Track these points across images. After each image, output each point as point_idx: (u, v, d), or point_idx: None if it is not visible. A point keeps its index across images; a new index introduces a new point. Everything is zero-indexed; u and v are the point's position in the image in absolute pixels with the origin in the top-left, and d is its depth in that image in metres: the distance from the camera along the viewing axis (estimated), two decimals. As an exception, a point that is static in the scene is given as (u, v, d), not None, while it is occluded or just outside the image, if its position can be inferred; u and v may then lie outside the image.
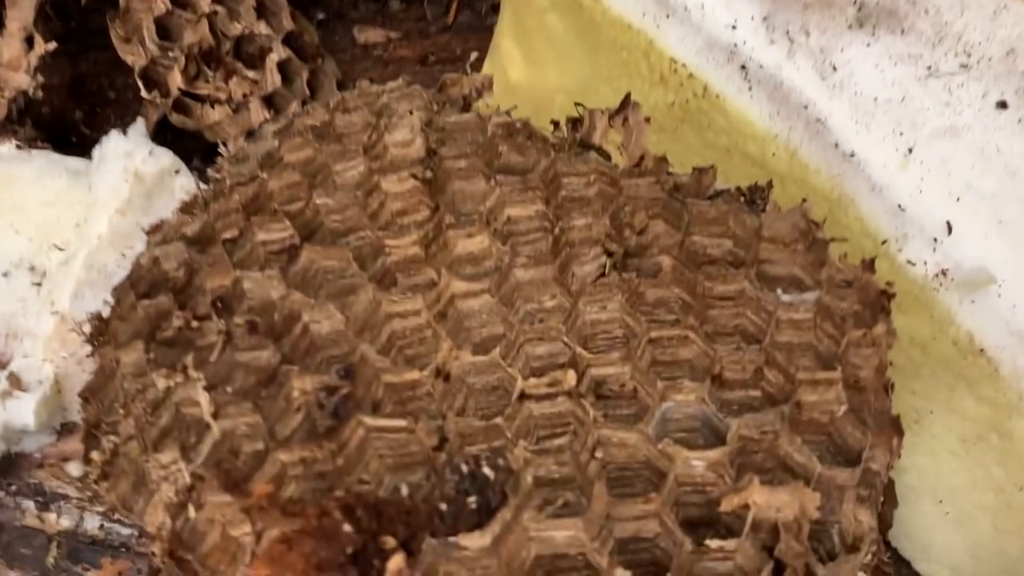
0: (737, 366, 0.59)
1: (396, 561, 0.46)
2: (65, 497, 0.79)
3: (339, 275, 0.61)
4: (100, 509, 0.79)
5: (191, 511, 0.50)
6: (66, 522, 0.78)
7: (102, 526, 0.79)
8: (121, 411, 0.55)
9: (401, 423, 0.53)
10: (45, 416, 0.78)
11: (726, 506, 0.53)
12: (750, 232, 0.63)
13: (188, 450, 0.52)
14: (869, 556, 0.72)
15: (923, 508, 0.83)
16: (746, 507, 0.53)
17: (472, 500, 0.49)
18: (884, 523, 0.78)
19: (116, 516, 0.79)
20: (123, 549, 0.78)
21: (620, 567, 0.49)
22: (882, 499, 0.63)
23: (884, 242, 0.76)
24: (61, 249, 0.84)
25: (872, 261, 0.62)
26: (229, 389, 0.53)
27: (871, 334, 0.58)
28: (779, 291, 0.60)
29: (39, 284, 0.84)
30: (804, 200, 0.64)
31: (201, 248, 0.62)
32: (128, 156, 0.83)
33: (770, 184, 0.68)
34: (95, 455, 0.54)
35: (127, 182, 0.82)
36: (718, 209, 0.63)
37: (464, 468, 0.49)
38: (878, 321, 0.59)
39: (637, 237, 0.64)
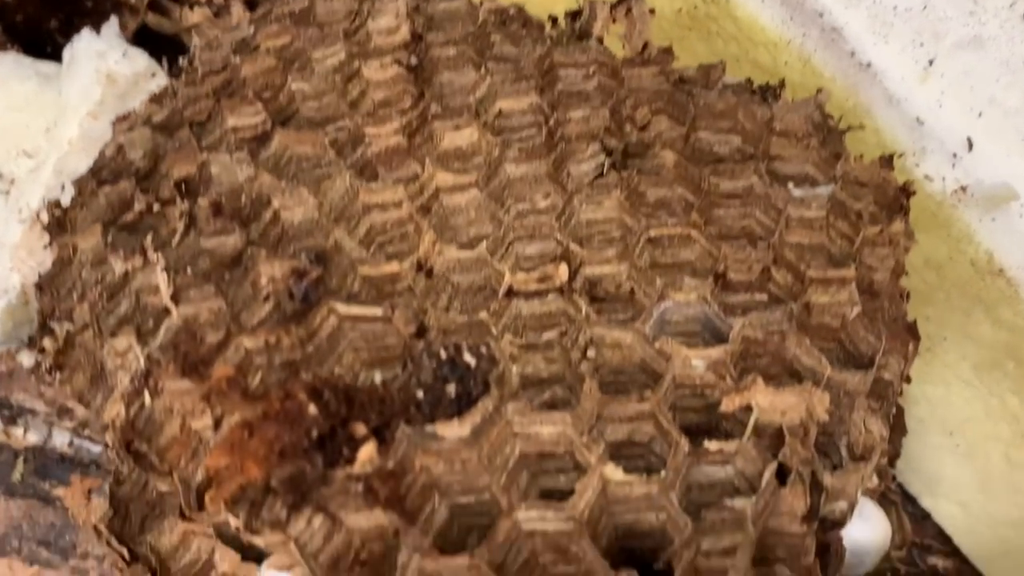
0: (743, 266, 0.54)
1: (367, 450, 0.42)
2: (32, 412, 0.75)
3: (314, 163, 0.56)
4: (69, 425, 0.75)
5: (147, 398, 0.47)
6: (33, 437, 0.75)
7: (71, 443, 0.75)
8: (76, 297, 0.51)
9: (376, 311, 0.48)
10: (11, 325, 0.74)
11: (727, 406, 0.49)
12: (760, 126, 0.58)
13: (145, 335, 0.48)
14: (877, 480, 0.68)
15: (932, 441, 0.80)
16: (748, 409, 0.49)
17: (451, 388, 0.45)
18: (893, 452, 0.75)
19: (86, 433, 0.75)
20: (93, 466, 0.74)
21: (611, 463, 0.45)
22: (892, 417, 0.59)
23: (900, 155, 0.72)
24: (30, 156, 0.80)
25: (891, 158, 0.58)
26: (190, 271, 0.49)
27: (888, 231, 0.54)
28: (790, 185, 0.56)
29: (7, 192, 0.79)
30: (819, 90, 0.59)
31: (168, 133, 0.58)
32: (101, 57, 0.78)
33: (782, 83, 0.63)
34: (47, 343, 0.50)
35: (99, 84, 0.77)
36: (727, 101, 0.59)
37: (443, 354, 0.45)
38: (895, 220, 0.55)
39: (639, 133, 0.59)
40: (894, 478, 0.76)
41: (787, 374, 0.52)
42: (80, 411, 0.76)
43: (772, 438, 0.50)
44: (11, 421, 0.75)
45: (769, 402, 0.49)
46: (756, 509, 0.45)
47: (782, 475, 0.48)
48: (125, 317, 0.50)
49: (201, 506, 0.47)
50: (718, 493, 0.48)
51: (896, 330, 0.54)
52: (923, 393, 0.79)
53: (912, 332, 0.55)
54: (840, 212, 0.55)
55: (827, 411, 0.49)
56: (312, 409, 0.41)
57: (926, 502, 0.82)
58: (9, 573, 0.73)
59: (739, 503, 0.45)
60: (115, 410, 0.48)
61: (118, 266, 0.50)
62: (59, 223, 0.56)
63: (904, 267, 0.56)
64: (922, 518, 0.82)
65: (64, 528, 0.73)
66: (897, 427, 0.74)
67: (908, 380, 0.74)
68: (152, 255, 0.49)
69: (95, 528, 0.60)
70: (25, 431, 0.75)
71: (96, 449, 0.75)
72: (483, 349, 0.45)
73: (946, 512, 0.81)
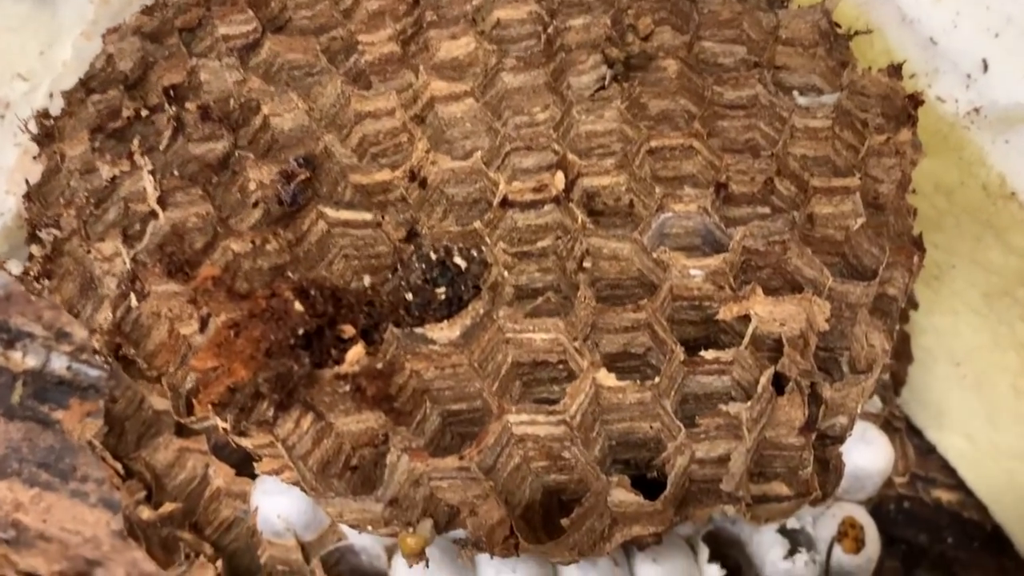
0: (745, 177, 0.53)
1: (356, 351, 0.41)
2: (31, 335, 0.75)
3: (305, 71, 0.55)
4: (67, 349, 0.75)
5: (133, 301, 0.46)
6: (32, 361, 0.75)
7: (70, 367, 0.75)
8: (63, 203, 0.50)
9: (366, 215, 0.47)
10: (6, 247, 0.74)
11: (724, 314, 0.48)
12: (765, 34, 0.56)
13: (132, 239, 0.47)
14: (881, 405, 0.67)
15: (939, 372, 0.78)
16: (746, 319, 0.48)
17: (441, 292, 0.44)
18: (898, 380, 0.74)
19: (84, 357, 0.75)
20: (92, 391, 0.74)
21: (603, 369, 0.44)
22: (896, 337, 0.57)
23: (912, 76, 0.70)
24: (25, 79, 0.79)
25: (899, 67, 0.56)
26: (177, 173, 0.48)
27: (895, 140, 0.52)
28: (795, 94, 0.54)
29: (2, 115, 0.78)
30: (826, -4, 0.57)
31: (158, 42, 0.56)
32: (94, -24, 0.76)
33: (790, -6, 0.61)
34: (35, 249, 0.50)
35: (93, 4, 0.76)
36: (731, 9, 0.57)
37: (433, 256, 0.44)
38: (902, 129, 0.53)
39: (641, 43, 0.57)
40: (899, 409, 0.75)
41: (788, 288, 0.51)
42: (78, 335, 0.76)
43: (771, 350, 0.49)
44: (9, 344, 0.75)
45: (768, 312, 0.48)
46: (751, 415, 0.44)
47: (780, 386, 0.47)
48: (113, 224, 0.49)
49: (191, 412, 0.46)
50: (714, 404, 0.47)
51: (901, 244, 0.52)
52: (931, 323, 0.77)
53: (917, 244, 0.53)
54: (846, 122, 0.54)
55: (828, 321, 0.48)
56: (298, 306, 0.40)
57: (931, 435, 0.81)
58: (10, 495, 0.73)
59: (734, 408, 0.44)
60: (103, 316, 0.47)
61: (105, 171, 0.49)
62: (48, 133, 0.55)
63: (911, 179, 0.55)
64: (927, 451, 0.81)
65: (63, 451, 0.74)
66: (903, 354, 0.73)
67: (916, 306, 0.73)
68: (139, 159, 0.48)
69: (89, 443, 0.60)
70: (24, 354, 0.75)
71: (94, 373, 0.75)
72: (474, 252, 0.44)
73: (951, 444, 0.80)
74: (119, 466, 0.58)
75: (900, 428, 0.69)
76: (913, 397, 0.80)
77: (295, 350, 0.41)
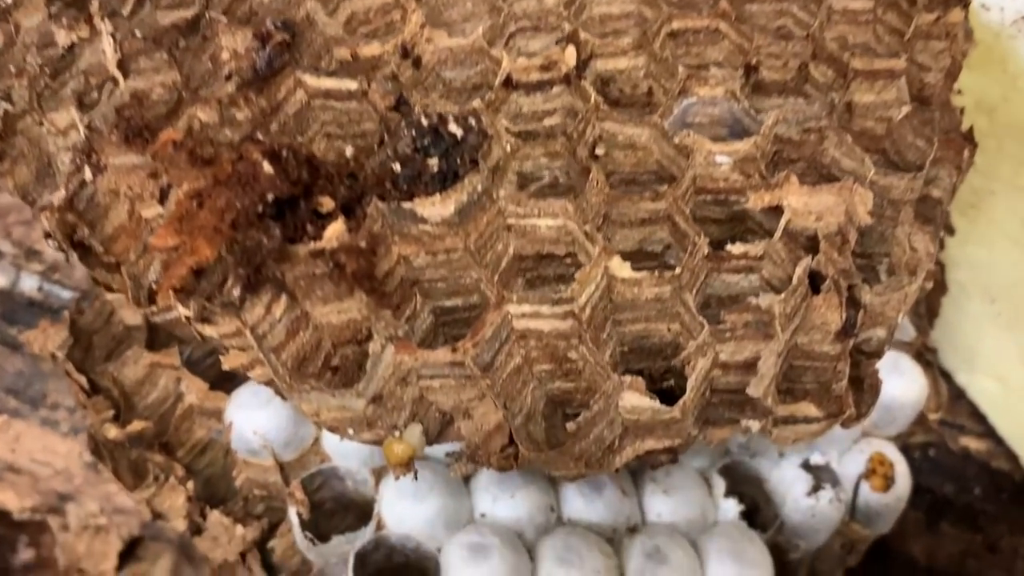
0: (777, 62, 0.47)
1: (335, 227, 0.36)
2: (-1, 253, 0.70)
3: (289, -60, 0.49)
4: (38, 268, 0.70)
5: (87, 174, 0.41)
6: (0, 280, 0.70)
7: (41, 287, 0.70)
8: (14, 71, 0.44)
9: (351, 84, 0.42)
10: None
11: (754, 203, 0.42)
12: (800, -92, 0.50)
13: (88, 107, 0.42)
14: (914, 333, 0.62)
15: (972, 310, 0.73)
16: (778, 210, 0.43)
17: (433, 163, 0.38)
18: (932, 310, 0.68)
19: (56, 277, 0.70)
20: (63, 313, 0.69)
21: (617, 256, 0.39)
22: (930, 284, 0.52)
23: (955, -20, 0.64)
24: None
25: (952, -57, 0.50)
26: (139, 33, 0.42)
27: (945, 20, 0.47)
28: (834, -32, 0.48)
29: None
30: None
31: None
32: None
33: None
34: (-19, 124, 0.44)
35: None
36: None
37: (425, 122, 0.38)
38: (953, 9, 0.47)
39: (662, -77, 0.52)
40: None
41: (824, 181, 0.46)
42: (50, 253, 0.71)
43: (805, 248, 0.43)
44: (-25, 262, 0.70)
45: (803, 202, 0.42)
46: (784, 309, 0.39)
47: (815, 286, 0.42)
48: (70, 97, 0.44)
49: (152, 300, 0.41)
50: (740, 306, 0.42)
51: (949, 138, 0.47)
52: (965, 255, 0.72)
53: (968, 138, 0.48)
54: (889, 1, 0.48)
55: (869, 213, 0.42)
56: (268, 168, 0.35)
57: (961, 378, 0.76)
58: (-24, 421, 0.69)
59: (765, 301, 0.39)
60: (57, 196, 0.42)
61: (62, 37, 0.44)
62: (3, 9, 0.50)
63: (960, 69, 0.49)
64: (956, 396, 0.76)
65: (33, 376, 0.69)
66: (937, 284, 0.68)
67: (951, 231, 0.68)
68: (99, 22, 0.43)
69: (52, 356, 0.55)
70: (-9, 273, 0.70)
71: (67, 295, 0.70)
72: (472, 121, 0.39)
73: (982, 387, 0.75)
74: (84, 380, 0.54)
75: (933, 362, 0.64)
76: (943, 337, 0.75)
77: (264, 220, 0.35)
